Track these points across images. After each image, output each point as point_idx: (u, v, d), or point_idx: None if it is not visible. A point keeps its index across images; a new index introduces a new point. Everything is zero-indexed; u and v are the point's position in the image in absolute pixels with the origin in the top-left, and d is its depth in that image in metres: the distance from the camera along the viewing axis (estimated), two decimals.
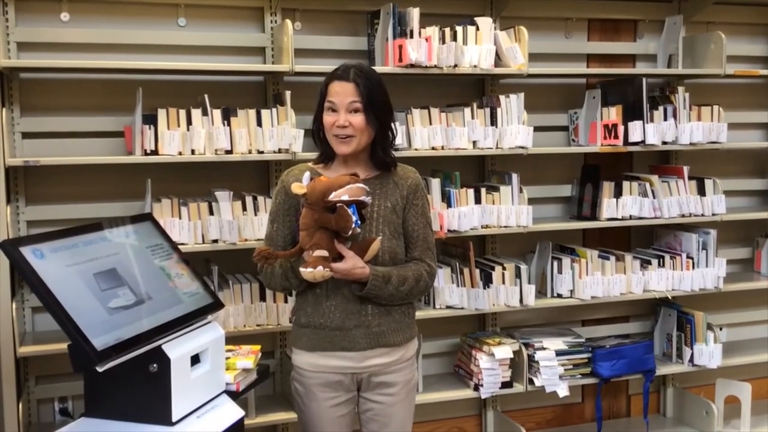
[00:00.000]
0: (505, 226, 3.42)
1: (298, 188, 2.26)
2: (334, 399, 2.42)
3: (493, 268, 3.45)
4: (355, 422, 2.53)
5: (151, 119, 2.96)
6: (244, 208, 3.09)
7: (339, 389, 2.41)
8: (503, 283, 3.45)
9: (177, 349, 2.10)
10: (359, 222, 2.25)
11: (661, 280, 3.68)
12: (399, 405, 2.47)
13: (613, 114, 3.59)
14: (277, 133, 3.08)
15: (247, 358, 2.42)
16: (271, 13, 3.35)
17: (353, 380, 2.43)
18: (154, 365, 2.05)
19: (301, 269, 2.25)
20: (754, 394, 3.84)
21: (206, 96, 3.02)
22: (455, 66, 3.29)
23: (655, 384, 4.02)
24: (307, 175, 2.30)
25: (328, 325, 2.38)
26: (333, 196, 2.21)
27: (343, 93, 2.35)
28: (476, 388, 3.46)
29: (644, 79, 3.60)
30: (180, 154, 2.98)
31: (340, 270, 2.27)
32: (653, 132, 3.58)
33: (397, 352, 2.45)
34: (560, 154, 3.78)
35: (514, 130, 3.38)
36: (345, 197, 2.21)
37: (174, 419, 2.07)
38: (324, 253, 2.25)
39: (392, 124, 2.48)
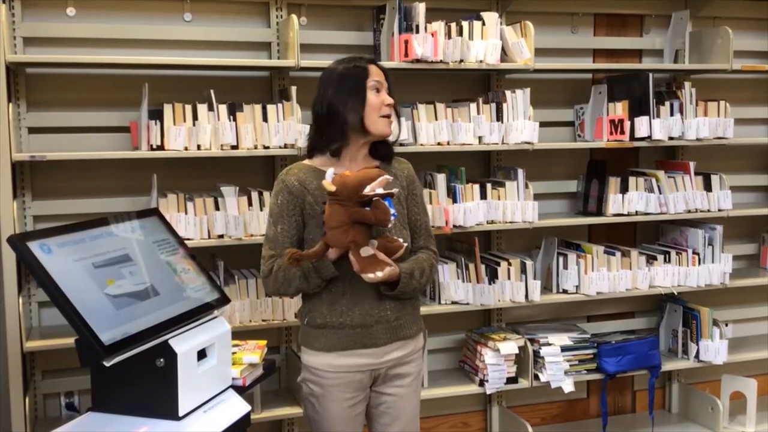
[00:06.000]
0: (510, 222, 3.42)
1: (329, 185, 2.21)
2: (354, 398, 2.41)
3: (498, 264, 3.45)
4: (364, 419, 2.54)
5: (157, 114, 2.96)
6: (250, 204, 3.09)
7: (358, 388, 2.41)
8: (509, 278, 3.45)
9: (184, 344, 2.11)
10: (396, 214, 2.27)
11: (666, 275, 3.67)
12: (410, 396, 2.49)
13: (620, 109, 3.58)
14: (283, 129, 3.08)
15: (253, 353, 2.42)
16: (276, 8, 3.35)
17: (371, 377, 2.43)
18: (161, 360, 2.05)
19: (368, 275, 2.22)
20: (759, 390, 3.84)
21: (212, 91, 3.02)
22: (461, 61, 3.28)
23: (660, 380, 4.02)
24: (331, 171, 2.25)
25: (348, 324, 2.36)
26: (368, 190, 2.19)
27: (382, 76, 2.39)
28: (481, 383, 3.47)
29: (650, 75, 3.59)
30: (186, 149, 2.98)
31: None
32: (659, 127, 3.57)
33: (411, 344, 2.47)
34: (566, 149, 3.77)
35: (519, 125, 3.37)
36: (379, 190, 2.20)
37: (181, 414, 2.07)
38: (369, 251, 2.24)
39: None
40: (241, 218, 3.05)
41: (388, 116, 2.38)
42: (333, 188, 2.21)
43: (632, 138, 3.59)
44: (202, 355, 2.19)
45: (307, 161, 2.46)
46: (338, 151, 2.38)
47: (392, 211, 2.24)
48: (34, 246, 2.00)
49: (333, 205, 2.24)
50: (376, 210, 2.22)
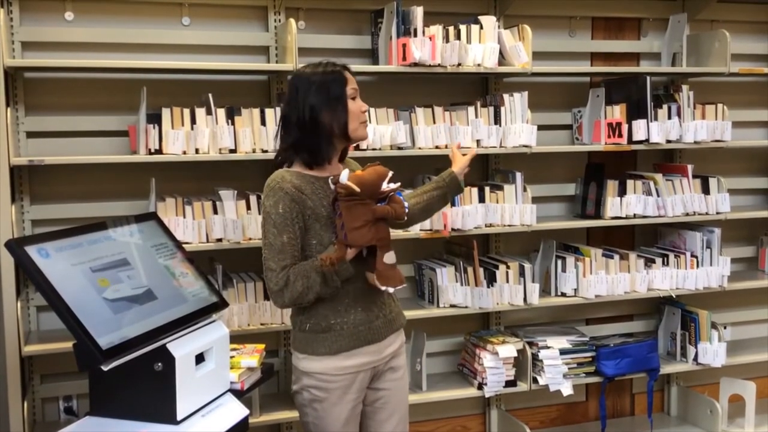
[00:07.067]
0: (509, 225, 3.42)
1: (354, 186, 2.20)
2: (357, 398, 2.42)
3: (497, 267, 3.45)
4: None
5: (155, 118, 2.96)
6: (248, 207, 3.09)
7: (360, 388, 2.42)
8: (507, 281, 3.45)
9: (182, 348, 2.11)
10: (408, 207, 2.38)
11: (665, 278, 3.67)
12: (403, 389, 2.53)
13: (617, 112, 3.58)
14: None
15: (252, 356, 2.43)
16: (274, 12, 3.35)
17: (371, 374, 2.44)
18: (159, 364, 2.06)
19: (381, 285, 2.29)
20: (758, 393, 3.84)
21: (210, 95, 3.02)
22: (459, 65, 3.29)
23: (659, 383, 4.02)
24: (346, 172, 2.24)
25: (352, 322, 2.36)
26: (386, 187, 2.26)
27: (354, 82, 2.41)
28: (480, 386, 3.47)
29: (648, 78, 3.59)
30: (184, 153, 2.98)
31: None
32: (657, 130, 3.58)
33: (401, 335, 2.53)
34: (564, 152, 3.77)
35: (518, 128, 3.38)
36: (392, 185, 2.28)
37: (179, 418, 2.08)
38: (393, 258, 2.30)
39: None
40: (239, 222, 3.05)
41: (365, 122, 2.42)
42: (358, 189, 2.21)
43: (630, 141, 3.59)
44: (200, 359, 2.19)
45: (288, 169, 2.39)
46: (326, 159, 2.37)
47: (405, 204, 2.33)
48: (32, 250, 2.01)
49: (354, 205, 2.24)
50: (394, 204, 2.29)
